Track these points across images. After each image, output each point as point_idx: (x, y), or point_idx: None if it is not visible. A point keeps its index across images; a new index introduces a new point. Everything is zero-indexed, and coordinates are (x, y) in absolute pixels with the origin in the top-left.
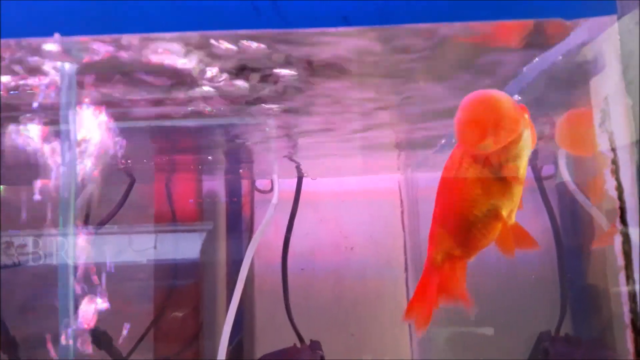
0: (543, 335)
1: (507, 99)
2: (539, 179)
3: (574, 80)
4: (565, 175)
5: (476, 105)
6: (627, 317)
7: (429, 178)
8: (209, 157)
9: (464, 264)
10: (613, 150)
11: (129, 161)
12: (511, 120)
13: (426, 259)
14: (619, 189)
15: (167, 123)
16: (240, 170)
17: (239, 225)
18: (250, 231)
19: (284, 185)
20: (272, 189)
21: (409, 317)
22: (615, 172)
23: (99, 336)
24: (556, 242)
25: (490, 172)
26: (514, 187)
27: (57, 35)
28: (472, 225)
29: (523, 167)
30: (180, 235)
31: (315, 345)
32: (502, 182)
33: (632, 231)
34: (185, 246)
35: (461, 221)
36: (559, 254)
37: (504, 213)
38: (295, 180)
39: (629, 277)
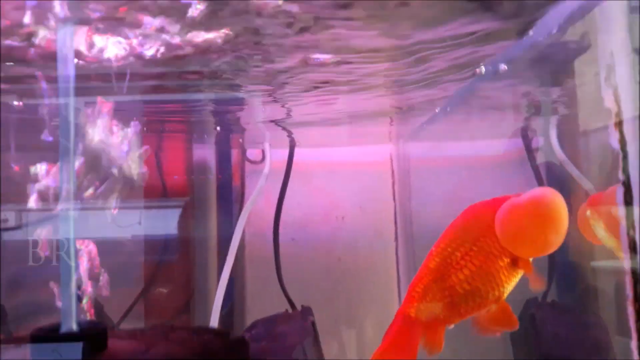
0: (530, 302)
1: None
2: (529, 150)
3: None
4: (555, 144)
5: (534, 211)
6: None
7: (421, 149)
8: (202, 127)
9: (443, 328)
10: (620, 123)
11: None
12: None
13: (400, 310)
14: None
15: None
16: (231, 139)
17: (230, 196)
18: (241, 201)
19: (275, 155)
20: (263, 160)
21: None
22: (621, 142)
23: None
24: None
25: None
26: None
27: None
28: (471, 298)
29: None
30: (167, 208)
31: (306, 311)
32: (517, 273)
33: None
34: (172, 217)
35: (462, 290)
36: None
37: (504, 297)
38: (286, 150)
39: (637, 282)
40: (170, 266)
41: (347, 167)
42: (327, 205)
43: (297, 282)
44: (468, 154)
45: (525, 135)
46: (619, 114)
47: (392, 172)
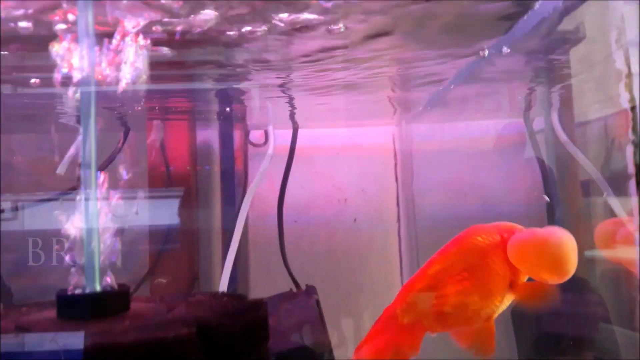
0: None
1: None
2: (531, 132)
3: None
4: (557, 126)
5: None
6: None
7: (423, 131)
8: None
9: (424, 334)
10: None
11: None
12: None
13: (389, 308)
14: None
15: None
16: (234, 122)
17: (233, 180)
18: (244, 185)
19: (278, 139)
20: (266, 142)
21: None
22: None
23: None
24: (544, 184)
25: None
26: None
27: None
28: (463, 311)
29: None
30: (168, 197)
31: (310, 290)
32: (511, 297)
33: None
34: (174, 205)
35: (457, 302)
36: (549, 205)
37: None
38: (289, 132)
39: None
40: (173, 252)
41: (349, 149)
42: (330, 187)
43: (299, 263)
44: (469, 136)
45: (527, 117)
46: (629, 75)
47: (395, 154)
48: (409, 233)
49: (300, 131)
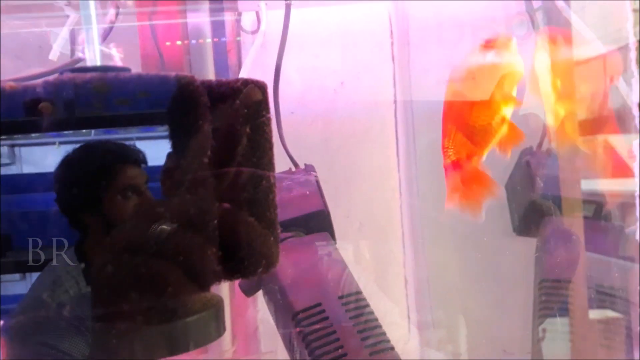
0: (525, 150)
1: None
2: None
3: None
4: None
5: None
6: None
7: (421, 5)
8: None
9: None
10: None
11: None
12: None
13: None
14: None
15: None
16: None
17: (227, 72)
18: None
19: (270, 26)
20: (258, 27)
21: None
22: None
23: None
24: None
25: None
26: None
27: None
28: (485, 129)
29: None
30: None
31: (309, 168)
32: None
33: None
34: None
35: (478, 125)
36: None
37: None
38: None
39: None
40: None
41: (344, 29)
42: (325, 72)
43: (297, 152)
44: (467, 12)
45: None
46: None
47: (391, 32)
48: (406, 113)
49: (292, 14)
